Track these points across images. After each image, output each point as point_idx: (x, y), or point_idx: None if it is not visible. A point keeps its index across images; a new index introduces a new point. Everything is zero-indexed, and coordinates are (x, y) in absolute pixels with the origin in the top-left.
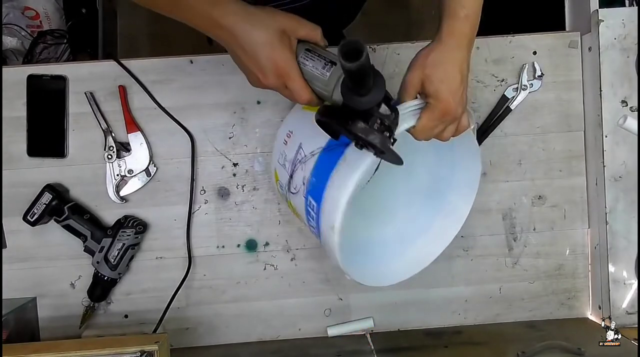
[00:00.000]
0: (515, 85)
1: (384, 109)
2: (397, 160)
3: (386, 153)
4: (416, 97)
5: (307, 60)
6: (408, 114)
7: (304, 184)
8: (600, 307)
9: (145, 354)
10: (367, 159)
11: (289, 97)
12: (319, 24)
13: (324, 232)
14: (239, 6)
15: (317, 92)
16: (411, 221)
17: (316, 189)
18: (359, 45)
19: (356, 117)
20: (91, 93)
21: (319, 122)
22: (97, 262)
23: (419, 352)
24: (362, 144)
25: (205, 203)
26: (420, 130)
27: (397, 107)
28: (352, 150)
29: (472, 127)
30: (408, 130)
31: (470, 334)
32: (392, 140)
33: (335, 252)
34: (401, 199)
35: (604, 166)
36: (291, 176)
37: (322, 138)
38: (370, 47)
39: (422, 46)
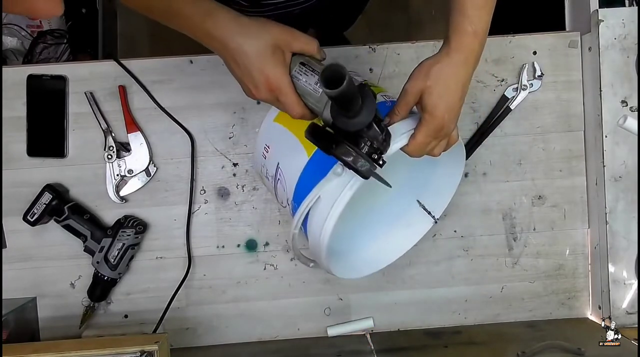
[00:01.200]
0: (515, 85)
1: (373, 131)
2: (385, 183)
3: (370, 177)
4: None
5: (300, 74)
6: (401, 135)
7: (288, 204)
8: (600, 307)
9: (145, 354)
10: (346, 193)
11: (283, 110)
12: (320, 27)
13: (312, 244)
14: (232, 17)
15: (309, 107)
16: (386, 214)
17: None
18: (340, 72)
19: (345, 138)
20: (91, 93)
21: (307, 138)
22: (97, 262)
23: (419, 352)
24: (349, 167)
25: (205, 203)
26: (414, 149)
27: (390, 128)
28: (329, 181)
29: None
30: (402, 149)
31: (470, 334)
32: (381, 162)
33: (322, 262)
34: (380, 193)
35: (604, 166)
36: (275, 193)
37: (299, 160)
38: (370, 47)
39: (422, 46)
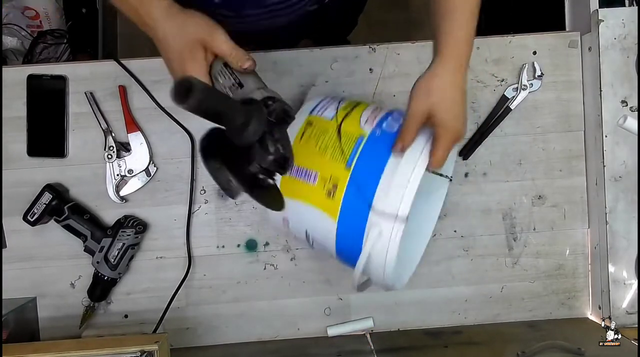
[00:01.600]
0: (515, 85)
1: (260, 150)
2: (275, 206)
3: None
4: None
5: (219, 75)
6: (419, 157)
7: (333, 256)
8: (600, 307)
9: (145, 354)
10: (394, 245)
11: None
12: (321, 31)
13: (376, 281)
14: (163, 7)
15: None
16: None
17: (350, 264)
18: (188, 85)
19: (240, 152)
20: (91, 93)
21: (199, 147)
22: (97, 262)
23: (419, 352)
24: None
25: (205, 203)
26: (437, 163)
27: (404, 157)
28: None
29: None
30: (427, 170)
31: (470, 334)
32: (265, 183)
33: (390, 288)
34: None
35: (604, 166)
36: (312, 246)
37: (328, 227)
38: (370, 47)
39: (422, 46)
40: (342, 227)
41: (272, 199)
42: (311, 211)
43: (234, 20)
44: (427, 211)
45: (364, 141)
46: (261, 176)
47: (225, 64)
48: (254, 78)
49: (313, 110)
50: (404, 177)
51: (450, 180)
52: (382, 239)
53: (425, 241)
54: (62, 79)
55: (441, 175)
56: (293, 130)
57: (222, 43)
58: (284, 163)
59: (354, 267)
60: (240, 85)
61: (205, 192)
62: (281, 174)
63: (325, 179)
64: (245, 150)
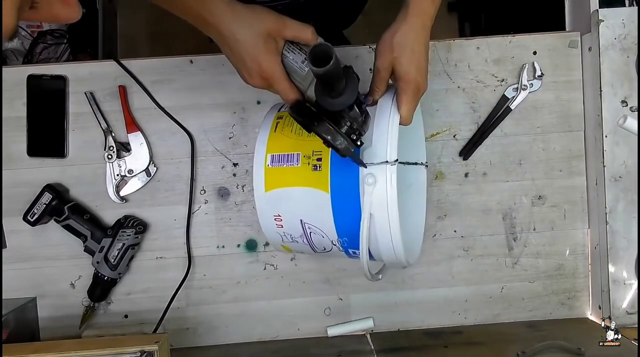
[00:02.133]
0: (515, 85)
1: (354, 112)
2: (361, 164)
3: (349, 156)
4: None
5: (288, 52)
6: (391, 108)
7: (336, 244)
8: (600, 307)
9: (145, 354)
10: (392, 194)
11: (277, 94)
12: (318, 24)
13: (386, 256)
14: (226, 5)
15: (295, 85)
16: None
17: (353, 242)
18: (328, 51)
19: (326, 117)
20: (91, 93)
21: (290, 115)
22: (97, 262)
23: (419, 352)
24: (328, 144)
25: (205, 203)
26: (406, 117)
27: (377, 108)
28: (369, 195)
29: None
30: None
31: (470, 334)
32: (359, 143)
33: (404, 263)
34: None
35: (604, 166)
36: (313, 247)
37: (322, 202)
38: (370, 47)
39: None
40: (336, 195)
41: (360, 160)
42: (301, 193)
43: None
44: (414, 203)
45: None
46: (354, 137)
47: (291, 42)
48: None
49: (280, 109)
50: (383, 128)
51: (426, 166)
52: (379, 186)
53: (421, 229)
54: (62, 79)
55: (416, 163)
56: (265, 125)
57: (296, 27)
58: (367, 121)
59: (358, 249)
60: None
61: (205, 192)
62: (365, 132)
63: (309, 156)
64: (331, 116)
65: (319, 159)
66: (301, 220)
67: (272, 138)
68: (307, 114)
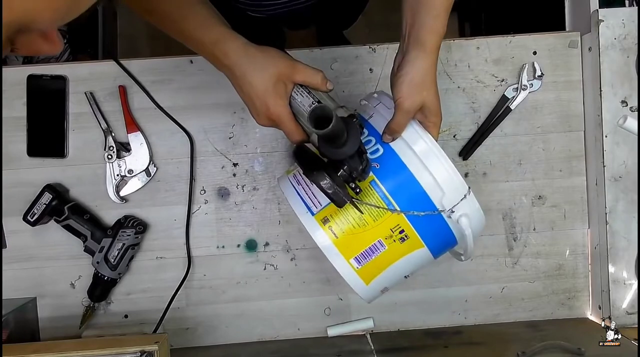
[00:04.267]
0: (515, 85)
1: (355, 161)
2: (359, 211)
3: (343, 205)
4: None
5: (297, 95)
6: (428, 140)
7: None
8: (600, 307)
9: (145, 354)
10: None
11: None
12: (321, 23)
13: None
14: (240, 46)
15: (301, 126)
16: None
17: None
18: (328, 114)
19: (326, 164)
20: (91, 93)
21: (292, 157)
22: (97, 262)
23: (419, 352)
24: (324, 194)
25: (205, 203)
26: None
27: (417, 154)
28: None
29: None
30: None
31: (470, 334)
32: (358, 190)
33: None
34: None
35: (604, 166)
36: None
37: (423, 258)
38: (370, 47)
39: None
40: (432, 243)
41: (357, 207)
42: (402, 263)
43: (252, 9)
44: None
45: (377, 180)
46: (353, 185)
47: (300, 85)
48: (327, 96)
49: (309, 211)
50: (440, 168)
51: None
52: (472, 216)
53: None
54: (62, 79)
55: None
56: (320, 236)
57: (306, 71)
58: (367, 169)
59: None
60: (320, 103)
61: (205, 192)
62: (364, 179)
63: (390, 235)
64: (331, 162)
65: (402, 231)
66: (405, 275)
67: (339, 245)
68: (309, 159)
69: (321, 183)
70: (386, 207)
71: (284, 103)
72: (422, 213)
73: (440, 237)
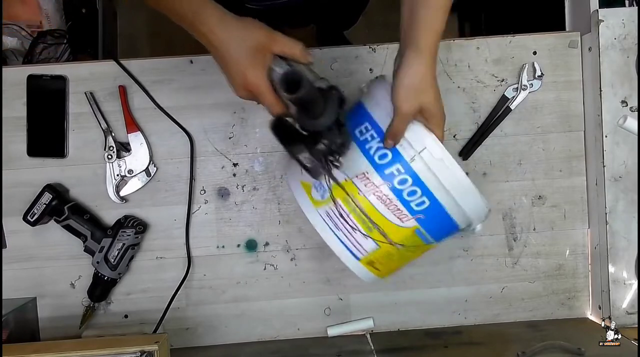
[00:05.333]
0: (515, 85)
1: (333, 133)
2: (337, 184)
3: (319, 177)
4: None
5: (276, 66)
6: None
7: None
8: (600, 307)
9: (145, 354)
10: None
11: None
12: (319, 24)
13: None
14: (218, 16)
15: (282, 99)
16: None
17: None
18: (299, 77)
19: (304, 136)
20: (91, 93)
21: (270, 130)
22: (97, 262)
23: (419, 352)
24: (300, 165)
25: (205, 203)
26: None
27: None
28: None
29: None
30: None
31: (470, 334)
32: (336, 165)
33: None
34: None
35: (604, 166)
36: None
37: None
38: (370, 47)
39: None
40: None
41: (333, 175)
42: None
43: (249, 4)
44: None
45: (422, 230)
46: (331, 158)
47: (281, 57)
48: (307, 68)
49: (355, 256)
50: (461, 190)
51: None
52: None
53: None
54: (62, 79)
55: None
56: (368, 278)
57: (285, 43)
58: (347, 143)
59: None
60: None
61: (205, 192)
62: (344, 153)
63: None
64: (310, 135)
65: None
66: None
67: (382, 275)
68: (285, 131)
69: (299, 156)
70: (424, 243)
71: (262, 74)
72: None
73: (449, 235)
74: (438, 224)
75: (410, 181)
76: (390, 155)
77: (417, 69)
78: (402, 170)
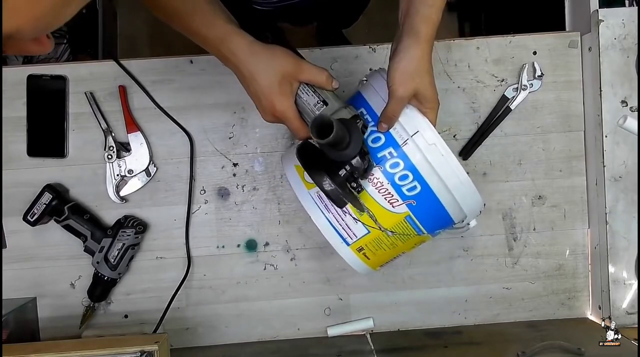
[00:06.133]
0: (515, 85)
1: (357, 162)
2: (360, 209)
3: (343, 206)
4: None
5: (302, 93)
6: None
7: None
8: (600, 307)
9: (145, 354)
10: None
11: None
12: (319, 22)
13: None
14: (245, 44)
15: (307, 124)
16: None
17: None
18: (328, 123)
19: (329, 162)
20: (91, 93)
21: (296, 155)
22: (97, 262)
23: (419, 352)
24: (324, 193)
25: (205, 203)
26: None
27: (406, 125)
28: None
29: None
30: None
31: (470, 334)
32: (359, 190)
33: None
34: None
35: (604, 166)
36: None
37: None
38: (370, 47)
39: None
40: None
41: (357, 201)
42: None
43: (256, 4)
44: None
45: (412, 216)
46: (354, 185)
47: (306, 83)
48: (332, 95)
49: (345, 241)
50: (459, 186)
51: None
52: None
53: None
54: (62, 79)
55: None
56: (357, 265)
57: (311, 70)
58: (370, 169)
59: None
60: (325, 103)
61: (205, 192)
62: (366, 178)
63: (413, 247)
64: (335, 162)
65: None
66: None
67: (372, 264)
68: (311, 157)
69: (322, 184)
70: (416, 233)
71: (290, 102)
72: (444, 231)
73: (442, 226)
74: (429, 211)
75: (402, 164)
76: (383, 138)
77: (413, 54)
78: (395, 154)
